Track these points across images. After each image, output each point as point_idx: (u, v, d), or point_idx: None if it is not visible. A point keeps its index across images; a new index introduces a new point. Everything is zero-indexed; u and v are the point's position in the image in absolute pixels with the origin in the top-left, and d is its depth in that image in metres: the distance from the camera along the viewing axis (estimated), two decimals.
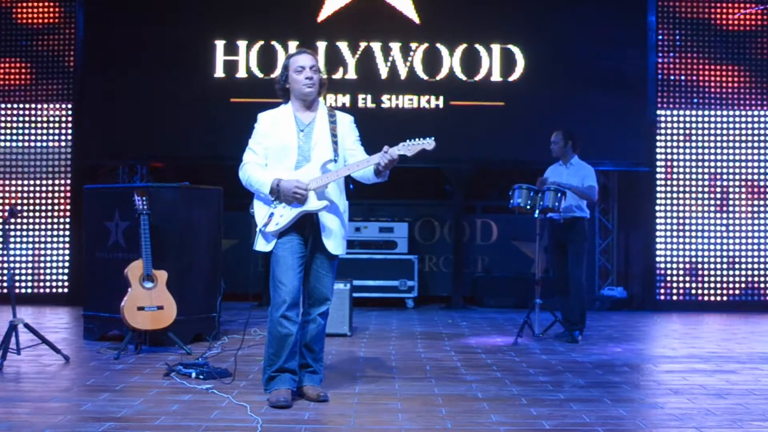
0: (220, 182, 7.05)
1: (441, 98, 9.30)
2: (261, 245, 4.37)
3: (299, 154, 4.35)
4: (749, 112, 9.44)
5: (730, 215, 9.38)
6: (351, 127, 4.52)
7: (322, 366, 4.57)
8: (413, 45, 9.33)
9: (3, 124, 9.29)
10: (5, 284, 8.60)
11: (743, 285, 9.36)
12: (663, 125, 9.41)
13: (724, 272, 9.36)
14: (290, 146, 4.35)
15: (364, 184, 4.53)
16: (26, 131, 9.29)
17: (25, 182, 9.27)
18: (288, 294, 4.26)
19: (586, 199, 6.82)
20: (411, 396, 4.56)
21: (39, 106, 9.30)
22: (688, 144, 9.42)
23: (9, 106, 9.30)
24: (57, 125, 9.30)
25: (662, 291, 9.37)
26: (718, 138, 9.42)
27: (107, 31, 9.30)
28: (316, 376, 4.48)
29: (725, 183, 9.40)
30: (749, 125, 9.44)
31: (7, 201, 9.21)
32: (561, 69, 9.29)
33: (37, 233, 9.23)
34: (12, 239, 9.05)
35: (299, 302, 4.35)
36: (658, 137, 9.39)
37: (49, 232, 9.24)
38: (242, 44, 9.27)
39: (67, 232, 9.24)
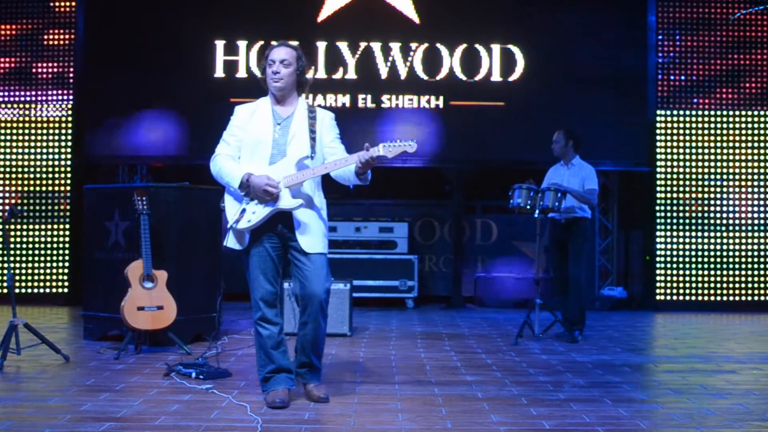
0: None
1: (441, 98, 9.30)
2: (232, 242, 4.24)
3: (274, 148, 4.24)
4: (749, 112, 9.44)
5: (730, 215, 9.38)
6: (331, 124, 4.40)
7: (321, 365, 4.46)
8: (413, 45, 9.33)
9: (3, 124, 9.29)
10: (5, 284, 8.60)
11: (743, 285, 9.36)
12: (663, 125, 9.41)
13: (724, 272, 9.36)
14: (265, 139, 4.24)
15: (342, 184, 4.43)
16: (26, 131, 9.29)
17: (25, 182, 9.27)
18: (263, 296, 4.20)
19: (586, 203, 6.80)
20: (411, 396, 4.55)
21: (39, 106, 9.31)
22: (688, 144, 9.42)
23: (9, 105, 9.30)
24: (57, 125, 9.31)
25: (662, 291, 9.37)
26: (718, 138, 9.42)
27: (107, 31, 9.31)
28: (318, 375, 4.39)
29: (725, 183, 9.40)
30: (749, 125, 9.44)
31: (7, 201, 9.21)
32: (561, 69, 9.30)
33: (37, 233, 9.23)
34: (12, 239, 9.06)
35: (275, 302, 4.26)
36: (658, 137, 9.39)
37: (49, 232, 9.24)
38: (242, 44, 9.28)
39: (67, 232, 9.24)
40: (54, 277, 9.23)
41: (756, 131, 9.44)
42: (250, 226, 4.19)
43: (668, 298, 9.37)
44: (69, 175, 9.28)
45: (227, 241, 4.27)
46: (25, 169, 9.27)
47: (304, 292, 4.25)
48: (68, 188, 9.26)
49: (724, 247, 9.38)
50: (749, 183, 9.41)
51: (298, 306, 4.39)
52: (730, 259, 9.37)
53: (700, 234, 9.38)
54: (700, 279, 9.36)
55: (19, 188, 9.27)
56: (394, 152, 4.16)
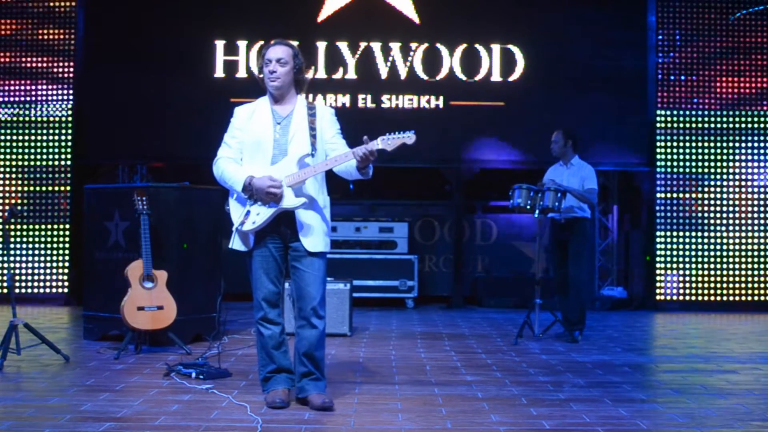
0: None
1: (441, 98, 9.31)
2: (237, 244, 4.24)
3: (275, 148, 4.21)
4: (749, 112, 9.44)
5: (730, 215, 9.38)
6: (331, 119, 4.34)
7: (325, 370, 4.38)
8: (413, 45, 9.34)
9: (3, 124, 9.29)
10: (5, 284, 8.60)
11: (743, 285, 9.36)
12: (663, 125, 9.42)
13: (724, 272, 9.36)
14: (266, 139, 4.21)
15: (347, 179, 4.38)
16: (26, 131, 9.29)
17: (25, 182, 9.27)
18: (265, 296, 4.20)
19: (586, 203, 6.79)
20: (411, 396, 4.55)
21: (39, 105, 9.31)
22: (688, 144, 9.42)
23: (9, 105, 9.30)
24: (57, 125, 9.30)
25: (662, 291, 9.37)
26: (718, 138, 9.43)
27: (107, 31, 9.31)
28: (320, 383, 4.29)
29: (725, 183, 9.40)
30: (749, 125, 9.44)
31: (7, 201, 9.21)
32: (561, 69, 9.31)
33: (37, 233, 9.23)
34: (12, 239, 9.05)
35: (278, 302, 4.25)
36: (658, 137, 9.39)
37: (49, 232, 9.24)
38: (242, 44, 9.28)
39: (67, 232, 9.24)
40: (54, 277, 9.23)
41: (756, 131, 9.44)
42: (255, 228, 4.18)
43: (668, 298, 9.37)
44: (69, 175, 9.28)
45: (233, 243, 4.26)
46: (25, 169, 9.28)
47: (299, 294, 4.23)
48: (68, 188, 9.26)
49: (724, 247, 9.38)
50: (749, 183, 9.41)
51: (293, 308, 4.37)
52: (730, 259, 9.37)
53: (700, 234, 9.38)
54: (700, 279, 9.37)
55: (19, 188, 9.27)
56: (393, 145, 4.10)
